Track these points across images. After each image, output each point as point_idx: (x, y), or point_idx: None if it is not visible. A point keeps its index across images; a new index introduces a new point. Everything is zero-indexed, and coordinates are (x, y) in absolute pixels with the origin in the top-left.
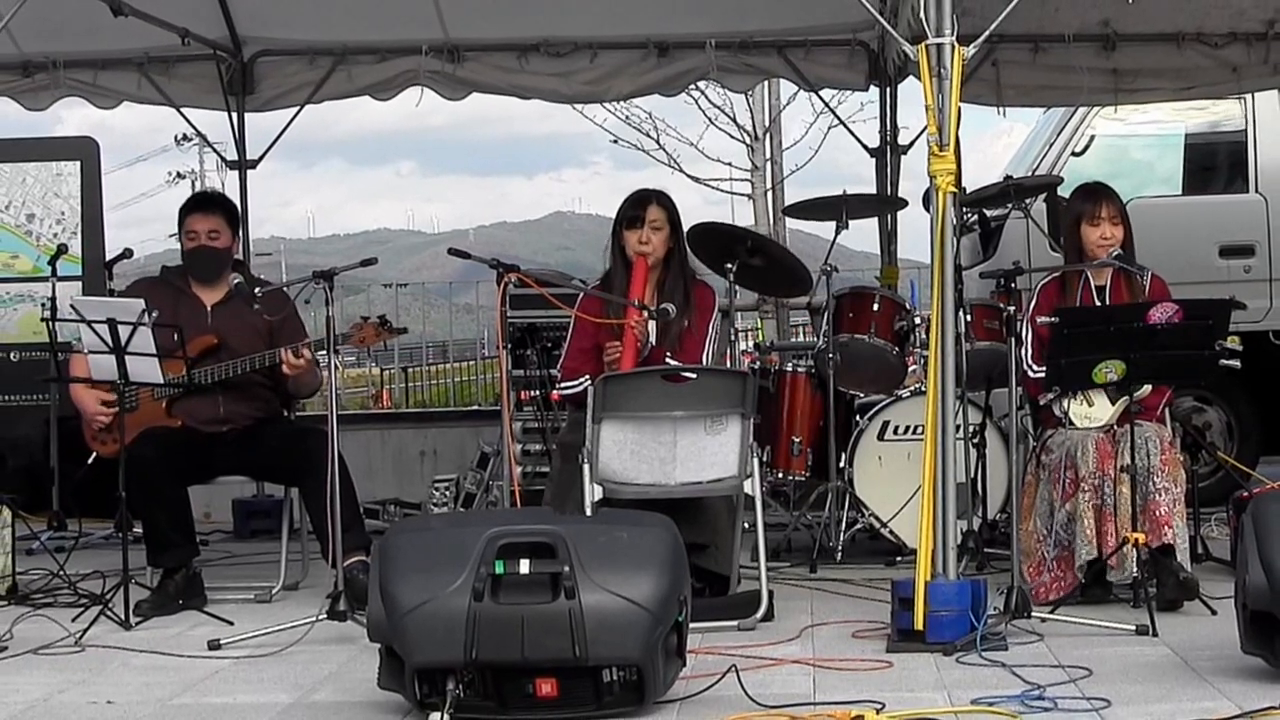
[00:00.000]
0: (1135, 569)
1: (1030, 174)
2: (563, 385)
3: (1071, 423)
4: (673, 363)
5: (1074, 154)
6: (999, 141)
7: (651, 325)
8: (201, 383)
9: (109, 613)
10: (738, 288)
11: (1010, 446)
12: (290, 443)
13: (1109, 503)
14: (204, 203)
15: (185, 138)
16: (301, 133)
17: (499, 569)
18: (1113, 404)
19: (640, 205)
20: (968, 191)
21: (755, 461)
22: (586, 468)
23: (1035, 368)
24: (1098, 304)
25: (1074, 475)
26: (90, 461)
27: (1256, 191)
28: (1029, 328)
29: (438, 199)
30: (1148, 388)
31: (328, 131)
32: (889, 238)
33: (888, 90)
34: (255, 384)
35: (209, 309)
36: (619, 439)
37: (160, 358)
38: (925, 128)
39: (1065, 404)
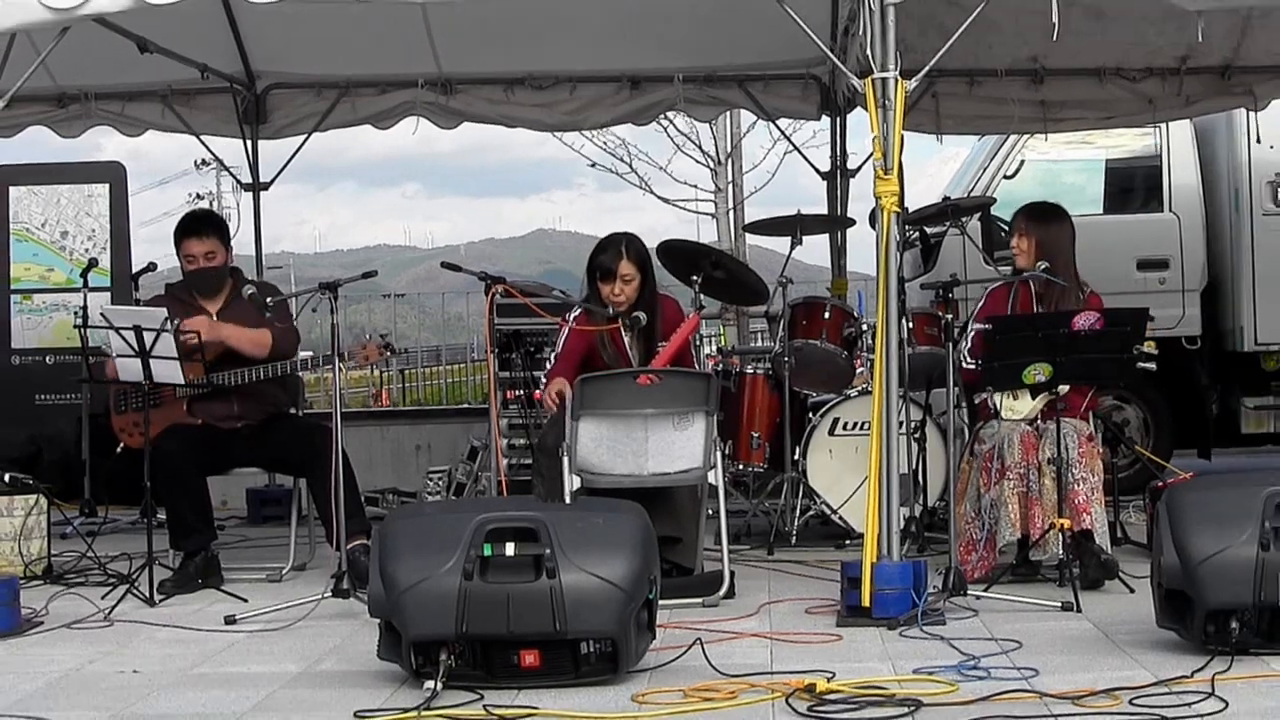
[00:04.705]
0: (1060, 551)
1: (966, 195)
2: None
3: (999, 415)
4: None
5: (1006, 177)
6: (945, 167)
7: (628, 339)
8: (222, 384)
9: (135, 591)
10: (702, 297)
11: (948, 441)
12: (297, 438)
13: (1034, 489)
14: (196, 227)
15: (204, 162)
16: (317, 157)
17: (487, 551)
18: (1033, 399)
19: (613, 259)
20: (910, 211)
21: (718, 454)
22: (566, 460)
23: (969, 359)
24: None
25: (1000, 465)
26: (118, 451)
27: (1170, 211)
28: (973, 325)
29: (439, 218)
30: (1064, 386)
31: (342, 156)
32: (839, 253)
33: (838, 119)
34: (265, 383)
35: (214, 317)
36: (596, 434)
37: (180, 360)
38: (871, 153)
39: (998, 397)
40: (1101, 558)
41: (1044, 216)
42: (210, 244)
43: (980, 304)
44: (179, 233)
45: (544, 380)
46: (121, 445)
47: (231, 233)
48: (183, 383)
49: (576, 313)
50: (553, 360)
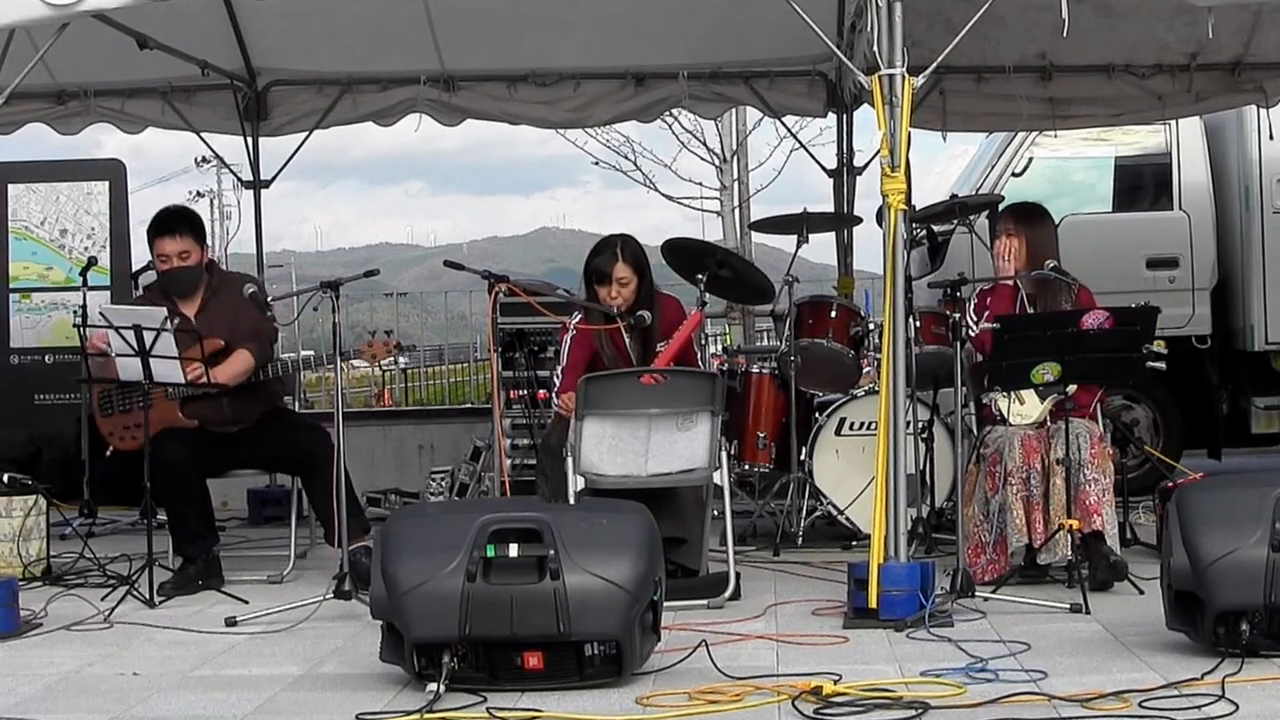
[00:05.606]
0: (1069, 552)
1: (974, 193)
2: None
3: (1006, 419)
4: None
5: (1014, 175)
6: (953, 165)
7: (628, 339)
8: (212, 387)
9: (135, 592)
10: (708, 296)
11: (955, 440)
12: (292, 437)
13: (1035, 494)
14: (169, 226)
15: (204, 160)
16: (319, 154)
17: (490, 552)
18: (1041, 402)
19: (607, 263)
20: (917, 209)
21: (724, 454)
22: (570, 460)
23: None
24: (1028, 310)
25: (1004, 469)
26: (108, 454)
27: (1180, 209)
28: (981, 324)
29: (442, 216)
30: (1073, 386)
31: (344, 154)
32: (845, 251)
33: (844, 116)
34: (256, 381)
35: (193, 320)
36: (599, 434)
37: (180, 359)
38: (878, 151)
39: (1002, 403)
40: (1111, 559)
41: (1030, 217)
42: (184, 243)
43: (974, 301)
44: (151, 231)
45: (554, 396)
46: (110, 449)
47: (230, 232)
48: (183, 382)
49: (577, 317)
50: (559, 373)
